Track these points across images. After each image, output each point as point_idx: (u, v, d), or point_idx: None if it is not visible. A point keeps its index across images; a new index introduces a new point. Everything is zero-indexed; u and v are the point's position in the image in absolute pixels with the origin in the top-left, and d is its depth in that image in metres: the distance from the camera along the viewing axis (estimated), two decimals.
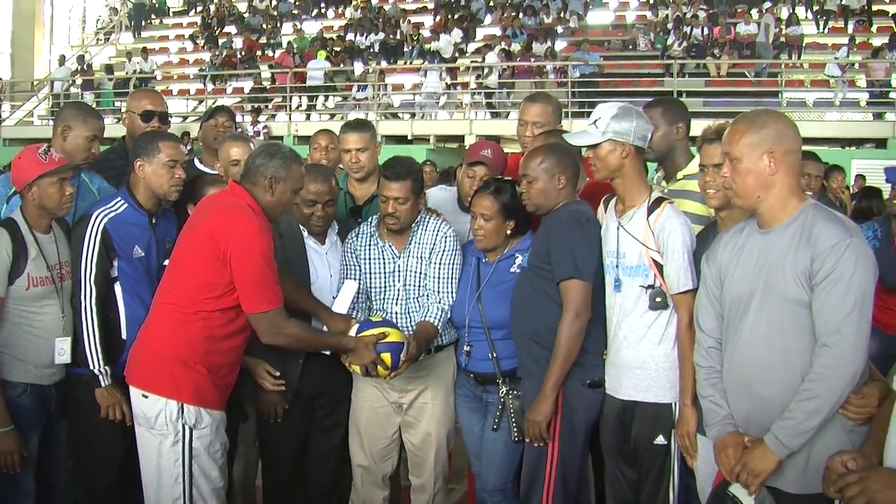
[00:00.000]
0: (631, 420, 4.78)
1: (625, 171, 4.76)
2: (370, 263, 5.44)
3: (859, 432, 3.62)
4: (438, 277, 5.35)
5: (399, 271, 5.41)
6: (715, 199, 4.43)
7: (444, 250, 5.37)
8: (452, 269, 5.37)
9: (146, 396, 4.75)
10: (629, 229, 4.74)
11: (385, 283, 5.43)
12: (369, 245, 5.46)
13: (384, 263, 5.43)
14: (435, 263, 5.36)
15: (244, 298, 4.66)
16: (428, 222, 5.45)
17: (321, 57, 30.27)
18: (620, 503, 4.99)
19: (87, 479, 5.20)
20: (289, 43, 32.83)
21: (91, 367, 4.94)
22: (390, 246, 5.42)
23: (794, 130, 3.88)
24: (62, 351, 4.98)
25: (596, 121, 4.77)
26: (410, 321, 5.32)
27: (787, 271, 3.68)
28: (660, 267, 4.64)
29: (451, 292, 5.34)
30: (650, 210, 4.70)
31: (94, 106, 26.85)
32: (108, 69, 33.77)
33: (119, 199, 5.13)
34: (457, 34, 29.39)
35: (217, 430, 4.82)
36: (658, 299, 4.65)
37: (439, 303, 5.32)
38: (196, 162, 6.49)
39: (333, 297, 5.42)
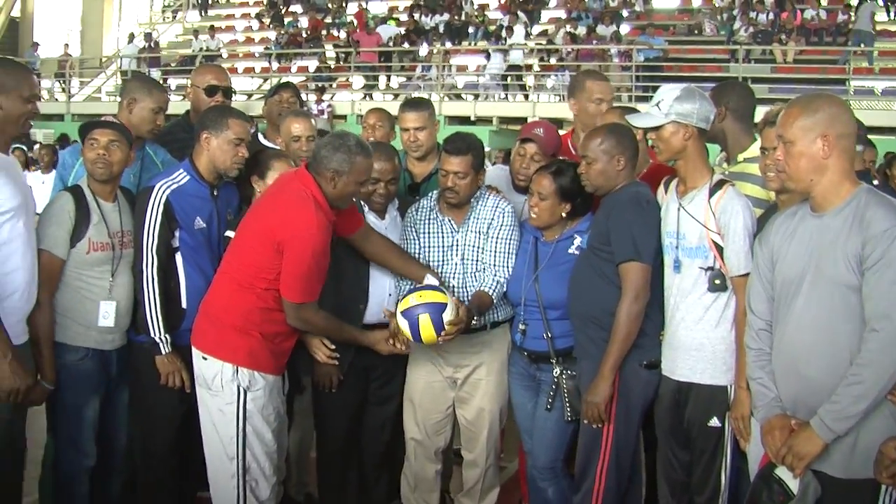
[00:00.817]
0: (685, 401, 4.78)
1: (687, 153, 4.75)
2: (429, 237, 5.50)
3: None
4: (495, 252, 5.39)
5: (457, 245, 5.46)
6: (774, 181, 4.40)
7: (501, 225, 5.41)
8: (510, 244, 5.40)
9: (205, 359, 4.92)
10: (690, 211, 4.73)
11: (443, 256, 5.48)
12: (429, 219, 5.52)
13: (443, 237, 5.48)
14: (493, 238, 5.40)
15: (283, 284, 4.83)
16: (487, 198, 5.49)
17: (391, 24, 30.52)
18: (672, 484, 4.99)
19: (145, 444, 5.31)
20: (359, 8, 33.00)
21: (151, 335, 5.05)
22: (449, 220, 5.48)
23: (849, 114, 3.86)
24: (106, 314, 5.08)
25: (659, 103, 4.77)
26: (467, 295, 5.36)
27: (838, 255, 3.68)
28: (720, 249, 4.63)
29: (508, 267, 5.37)
30: (712, 192, 4.68)
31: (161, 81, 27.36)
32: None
33: (181, 170, 5.23)
34: (520, 30, 29.15)
35: (271, 394, 4.98)
36: (717, 281, 4.64)
37: (495, 275, 5.36)
38: (260, 137, 6.57)
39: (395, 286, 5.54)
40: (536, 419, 5.36)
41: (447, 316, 4.94)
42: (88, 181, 5.08)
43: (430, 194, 5.64)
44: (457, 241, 5.47)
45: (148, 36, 35.75)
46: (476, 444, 5.63)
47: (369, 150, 5.01)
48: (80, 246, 4.95)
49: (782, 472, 3.82)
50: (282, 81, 8.23)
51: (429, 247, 5.51)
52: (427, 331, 4.95)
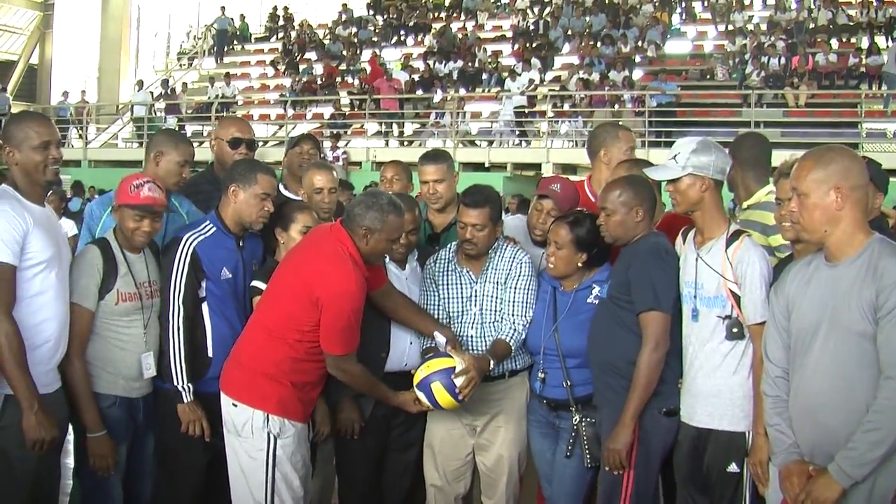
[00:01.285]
0: (704, 447, 4.84)
1: (704, 204, 4.85)
2: (448, 288, 5.59)
3: None
4: (514, 301, 5.47)
5: (476, 296, 5.54)
6: (789, 231, 4.43)
7: (519, 275, 5.49)
8: (528, 294, 5.48)
9: (236, 405, 5.02)
10: (708, 261, 4.82)
11: (462, 307, 5.56)
12: (447, 270, 5.61)
13: (461, 288, 5.57)
14: (510, 288, 5.48)
15: (324, 338, 4.95)
16: (505, 249, 5.58)
17: (398, 67, 30.76)
18: None
19: (170, 491, 5.36)
20: (372, 55, 33.28)
21: (175, 384, 5.15)
22: (468, 271, 5.57)
23: (861, 166, 3.95)
24: (148, 366, 5.18)
25: (676, 155, 4.88)
26: (485, 345, 5.44)
27: (852, 304, 3.76)
28: (737, 298, 4.71)
29: (526, 316, 5.45)
30: (729, 242, 4.78)
31: (177, 129, 27.60)
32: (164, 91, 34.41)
33: (208, 222, 5.34)
34: (534, 73, 29.33)
35: (299, 441, 5.08)
36: (735, 329, 4.73)
37: (513, 324, 5.43)
38: (280, 188, 6.66)
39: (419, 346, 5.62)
40: (556, 466, 5.41)
41: (458, 378, 5.07)
42: (116, 234, 5.17)
43: (448, 246, 5.72)
44: (475, 291, 5.56)
45: (165, 83, 36.00)
46: (496, 491, 5.67)
47: (401, 208, 5.12)
48: (109, 297, 5.03)
49: None
50: (302, 133, 8.31)
51: (448, 297, 5.60)
52: (442, 396, 5.10)
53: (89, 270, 5.01)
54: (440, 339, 5.34)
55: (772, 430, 4.15)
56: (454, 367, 5.08)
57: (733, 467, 4.78)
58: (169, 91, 35.11)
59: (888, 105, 25.39)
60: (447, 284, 5.60)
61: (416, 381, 5.18)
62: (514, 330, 5.43)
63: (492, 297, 5.52)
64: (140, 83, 35.62)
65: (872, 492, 3.72)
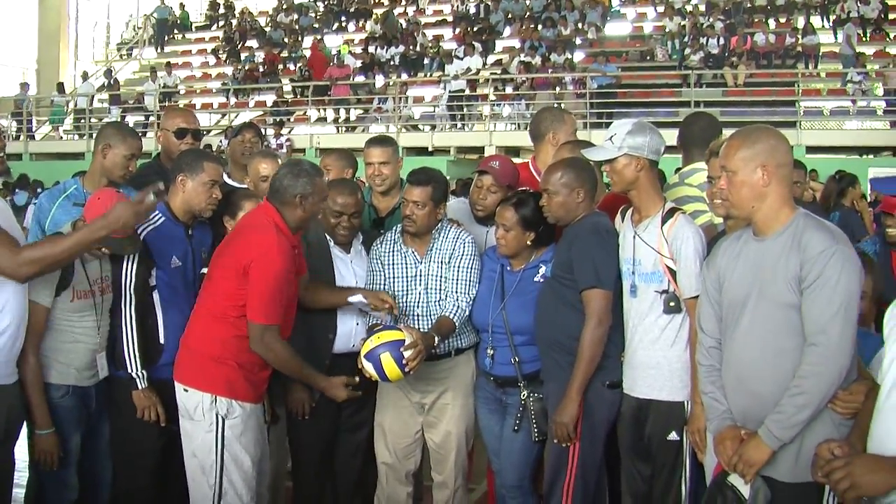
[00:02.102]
0: (646, 417, 5.02)
1: (640, 184, 5.01)
2: (393, 268, 5.72)
3: (847, 426, 3.83)
4: (457, 280, 5.61)
5: (420, 276, 5.68)
6: (721, 208, 4.56)
7: (462, 254, 5.64)
8: (471, 272, 5.63)
9: (186, 390, 5.11)
10: (645, 238, 4.99)
11: (407, 286, 5.70)
12: (393, 251, 5.75)
13: (406, 268, 5.71)
14: (454, 267, 5.63)
15: (249, 306, 5.01)
16: (448, 230, 5.72)
17: (344, 51, 30.74)
18: (635, 497, 5.21)
19: (122, 477, 5.43)
20: (314, 41, 33.24)
21: (129, 371, 5.23)
22: (413, 252, 5.70)
23: (786, 145, 4.12)
24: (102, 366, 5.29)
25: (612, 136, 5.03)
26: (431, 322, 5.56)
27: (779, 276, 3.92)
28: (673, 273, 4.88)
29: (469, 294, 5.60)
30: (664, 220, 4.95)
31: (121, 119, 27.41)
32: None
33: (157, 212, 5.39)
34: (477, 60, 29.39)
35: (248, 422, 5.16)
36: (672, 304, 4.91)
37: (457, 301, 5.57)
38: (224, 176, 6.74)
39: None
40: (504, 440, 5.55)
41: (407, 351, 5.15)
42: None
43: (394, 227, 5.84)
44: (420, 271, 5.69)
45: (108, 73, 35.63)
46: (445, 467, 5.82)
47: (321, 171, 5.46)
48: (65, 294, 5.07)
49: (734, 479, 4.05)
50: (244, 122, 8.38)
51: (393, 277, 5.72)
52: (391, 367, 5.16)
53: None
54: (354, 299, 5.51)
55: (706, 397, 4.30)
56: (403, 340, 5.16)
57: (673, 435, 4.95)
58: (112, 82, 34.78)
59: (847, 83, 25.72)
60: (392, 264, 5.73)
61: (364, 350, 5.23)
62: (458, 307, 5.56)
63: (436, 276, 5.66)
64: (85, 74, 35.27)
65: (800, 452, 3.87)
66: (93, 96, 33.31)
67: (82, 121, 32.32)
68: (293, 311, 5.27)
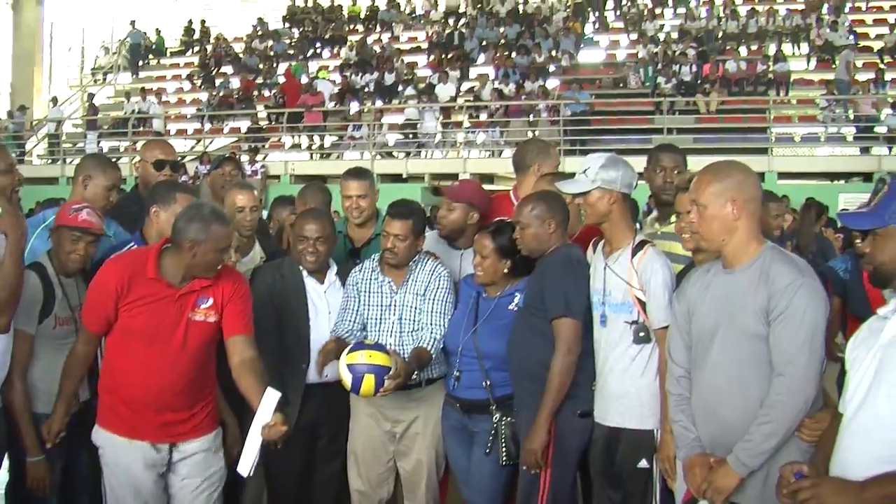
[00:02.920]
0: (616, 445, 5.08)
1: (612, 217, 5.10)
2: (369, 296, 5.77)
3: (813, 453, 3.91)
4: (432, 311, 5.67)
5: (395, 305, 5.73)
6: (690, 241, 4.65)
7: (438, 287, 5.70)
8: (445, 305, 5.70)
9: None
10: (615, 269, 5.07)
11: (381, 315, 5.75)
12: (370, 279, 5.79)
13: (382, 297, 5.75)
14: (430, 300, 5.68)
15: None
16: (426, 263, 5.78)
17: (324, 76, 30.77)
18: None
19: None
20: (287, 68, 33.30)
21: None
22: (389, 281, 5.75)
23: (755, 179, 4.24)
24: (83, 389, 5.30)
25: (586, 170, 5.12)
26: (403, 353, 5.54)
27: (747, 308, 4.02)
28: (643, 304, 4.96)
29: (444, 326, 5.65)
30: (634, 252, 5.04)
31: (97, 144, 27.27)
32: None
33: (132, 243, 5.46)
34: (450, 88, 29.53)
35: (121, 458, 4.95)
36: (641, 334, 4.99)
37: (432, 332, 5.63)
38: None
39: (331, 332, 5.78)
40: (472, 468, 5.59)
41: (389, 381, 5.17)
42: (51, 258, 5.25)
43: (372, 256, 5.89)
44: (395, 301, 5.74)
45: (90, 97, 35.52)
46: (416, 494, 5.88)
47: (225, 218, 5.01)
48: (48, 322, 5.11)
49: None
50: (223, 156, 8.48)
51: (369, 305, 5.77)
52: (368, 387, 5.16)
53: (30, 295, 5.03)
54: (271, 395, 4.72)
55: (676, 425, 4.40)
56: (389, 369, 5.15)
57: (643, 463, 5.03)
58: (88, 106, 34.65)
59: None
60: (368, 292, 5.78)
61: (349, 361, 5.18)
62: (434, 339, 5.62)
63: (411, 307, 5.72)
64: (55, 99, 35.12)
65: (767, 479, 3.94)
66: (61, 122, 33.19)
67: (53, 146, 32.21)
68: (90, 321, 5.04)
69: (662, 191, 5.85)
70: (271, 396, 4.67)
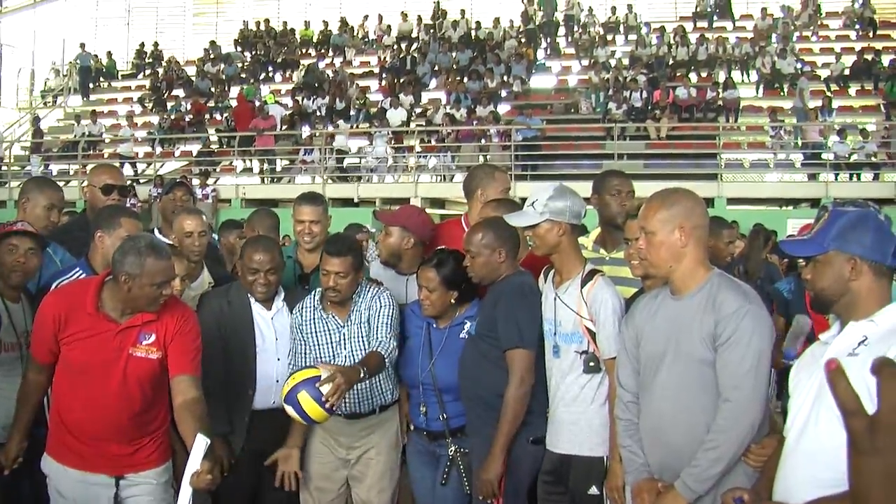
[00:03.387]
0: (567, 472, 5.08)
1: (562, 247, 5.09)
2: (316, 336, 5.69)
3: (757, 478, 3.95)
4: (380, 326, 5.56)
5: (344, 340, 5.66)
6: (639, 268, 4.71)
7: (381, 306, 5.61)
8: (391, 319, 5.59)
9: None
10: (565, 300, 5.07)
11: (333, 352, 5.65)
12: (314, 318, 5.71)
13: (329, 334, 5.68)
14: (375, 324, 5.59)
15: None
16: (368, 292, 5.72)
17: (270, 101, 30.73)
18: None
19: None
20: (240, 91, 33.23)
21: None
22: (333, 317, 5.68)
23: (702, 207, 4.28)
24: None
25: (534, 202, 5.10)
26: (360, 386, 5.48)
27: (694, 334, 4.05)
28: (592, 334, 4.97)
29: (392, 340, 5.51)
30: (584, 282, 5.04)
31: (42, 167, 27.06)
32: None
33: (78, 269, 5.42)
34: (402, 112, 29.56)
35: (67, 485, 4.91)
36: (591, 363, 4.99)
37: (380, 340, 5.49)
38: (155, 232, 6.78)
39: (278, 359, 5.76)
40: (437, 495, 5.58)
41: (323, 386, 4.94)
42: None
43: (313, 293, 5.80)
44: (343, 335, 5.67)
45: (36, 120, 35.31)
46: None
47: (162, 250, 4.81)
48: None
49: None
50: (174, 180, 8.43)
51: (317, 344, 5.68)
52: (311, 407, 4.97)
53: None
54: (200, 442, 4.52)
55: (624, 451, 4.43)
56: (319, 376, 4.98)
57: (594, 490, 5.02)
58: (35, 129, 34.41)
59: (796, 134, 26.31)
60: (314, 332, 5.70)
61: (283, 395, 5.08)
62: (382, 342, 5.47)
63: (360, 338, 5.65)
64: None
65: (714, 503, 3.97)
66: (11, 144, 32.89)
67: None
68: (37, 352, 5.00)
69: (616, 215, 5.83)
70: (200, 443, 4.48)
